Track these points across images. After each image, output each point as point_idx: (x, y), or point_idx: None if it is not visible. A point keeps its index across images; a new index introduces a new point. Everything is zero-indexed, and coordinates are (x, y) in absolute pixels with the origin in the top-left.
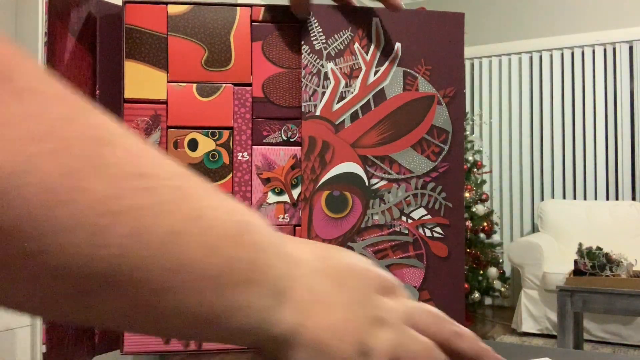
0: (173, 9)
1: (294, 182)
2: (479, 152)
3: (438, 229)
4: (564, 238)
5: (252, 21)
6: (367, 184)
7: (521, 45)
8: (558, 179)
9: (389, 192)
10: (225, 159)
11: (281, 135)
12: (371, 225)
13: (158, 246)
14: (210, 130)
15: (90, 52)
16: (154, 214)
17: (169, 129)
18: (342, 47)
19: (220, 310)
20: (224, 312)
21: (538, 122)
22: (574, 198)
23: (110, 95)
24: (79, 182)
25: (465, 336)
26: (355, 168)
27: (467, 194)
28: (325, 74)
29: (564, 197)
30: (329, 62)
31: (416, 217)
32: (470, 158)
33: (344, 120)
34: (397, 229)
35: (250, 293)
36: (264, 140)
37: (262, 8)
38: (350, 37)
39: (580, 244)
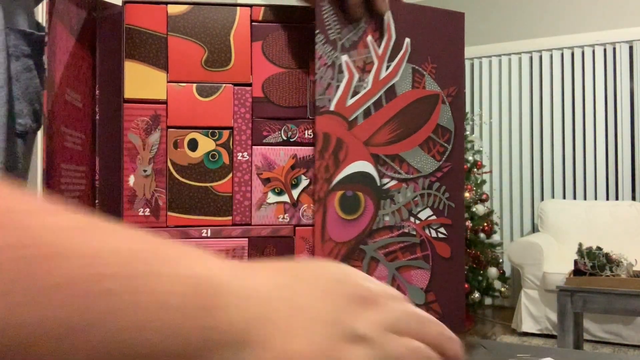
0: (173, 9)
1: (294, 182)
2: (479, 152)
3: (442, 230)
4: (564, 238)
5: (252, 21)
6: (378, 184)
7: (521, 45)
8: (558, 179)
9: (399, 192)
10: (225, 159)
11: (281, 135)
12: (382, 226)
13: (127, 348)
14: (210, 130)
15: (90, 52)
16: (116, 317)
17: (169, 129)
18: (356, 39)
19: None
20: None
21: (538, 122)
22: (574, 198)
23: (110, 95)
24: (27, 317)
25: (454, 340)
26: (367, 167)
27: (467, 194)
28: (340, 66)
29: (564, 197)
30: (343, 54)
31: (423, 218)
32: (470, 158)
33: (357, 117)
34: (406, 230)
35: None
36: (264, 140)
37: (262, 8)
38: (363, 29)
39: (580, 244)
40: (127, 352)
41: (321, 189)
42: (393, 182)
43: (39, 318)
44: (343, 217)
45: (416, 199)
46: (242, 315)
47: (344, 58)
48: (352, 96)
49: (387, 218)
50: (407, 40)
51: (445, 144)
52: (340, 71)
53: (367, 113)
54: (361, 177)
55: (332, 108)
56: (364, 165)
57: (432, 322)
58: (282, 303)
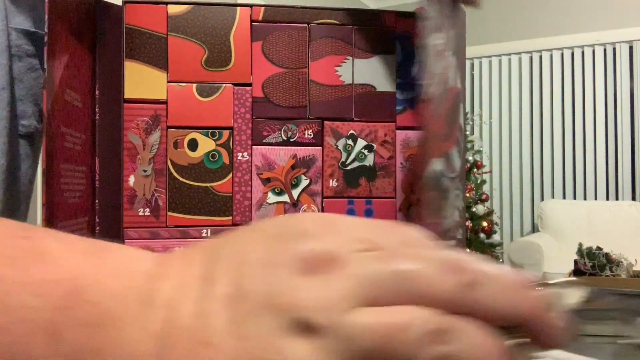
0: (173, 9)
1: (294, 182)
2: (479, 152)
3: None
4: (564, 238)
5: (252, 21)
6: (442, 184)
7: (521, 45)
8: (558, 179)
9: (450, 192)
10: (225, 159)
11: (281, 135)
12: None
13: None
14: (210, 130)
15: (90, 52)
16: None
17: (169, 129)
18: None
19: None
20: None
21: (538, 122)
22: (574, 198)
23: (110, 95)
24: None
25: (488, 279)
26: (439, 165)
27: (467, 194)
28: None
29: (564, 197)
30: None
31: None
32: (470, 158)
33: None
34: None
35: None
36: (264, 140)
37: (262, 8)
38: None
39: (580, 244)
40: None
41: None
42: (448, 182)
43: None
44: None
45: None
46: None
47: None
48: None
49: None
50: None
51: None
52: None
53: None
54: (433, 176)
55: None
56: (436, 164)
57: (437, 260)
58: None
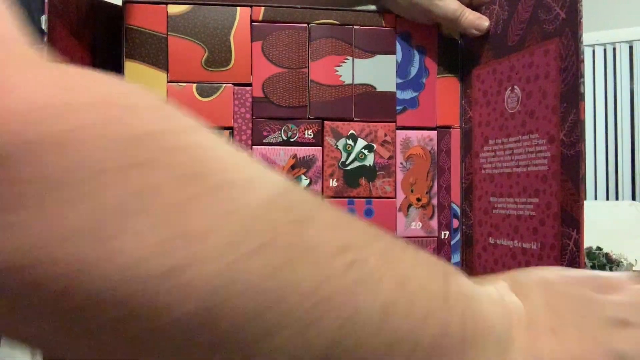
0: (173, 9)
1: None
2: None
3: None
4: None
5: (252, 21)
6: None
7: None
8: None
9: None
10: None
11: (281, 135)
12: None
13: (373, 323)
14: None
15: (90, 52)
16: (365, 290)
17: None
18: None
19: None
20: None
21: None
22: None
23: None
24: (286, 277)
25: None
26: None
27: None
28: None
29: None
30: None
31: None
32: None
33: None
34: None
35: (472, 355)
36: (264, 140)
37: (262, 8)
38: None
39: None
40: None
41: None
42: None
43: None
44: None
45: None
46: (504, 328)
47: None
48: None
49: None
50: None
51: None
52: None
53: None
54: None
55: None
56: None
57: None
58: (535, 310)
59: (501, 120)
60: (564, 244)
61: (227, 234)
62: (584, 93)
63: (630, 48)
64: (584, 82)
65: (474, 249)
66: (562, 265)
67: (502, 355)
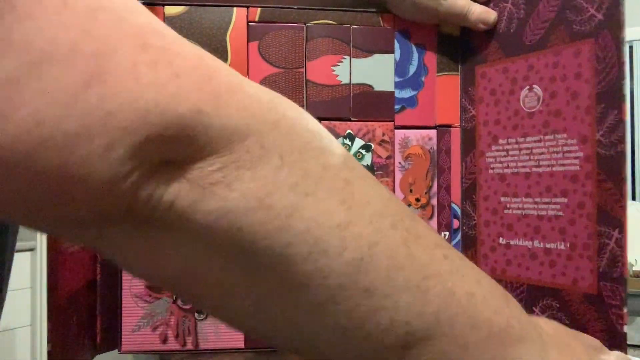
0: (170, 10)
1: None
2: None
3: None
4: None
5: (248, 22)
6: None
7: None
8: None
9: None
10: None
11: None
12: None
13: (461, 306)
14: None
15: None
16: (455, 279)
17: None
18: None
19: None
20: None
21: None
22: None
23: None
24: (408, 251)
25: None
26: None
27: None
28: None
29: None
30: None
31: None
32: None
33: None
34: None
35: (523, 348)
36: None
37: (259, 9)
38: None
39: None
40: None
41: None
42: None
43: None
44: None
45: None
46: (541, 335)
47: None
48: None
49: None
50: None
51: None
52: None
53: None
54: None
55: None
56: None
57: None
58: (558, 343)
59: (516, 119)
60: (601, 243)
61: (376, 207)
62: (625, 94)
63: (630, 48)
64: (625, 84)
65: (479, 250)
66: (600, 264)
67: (542, 352)
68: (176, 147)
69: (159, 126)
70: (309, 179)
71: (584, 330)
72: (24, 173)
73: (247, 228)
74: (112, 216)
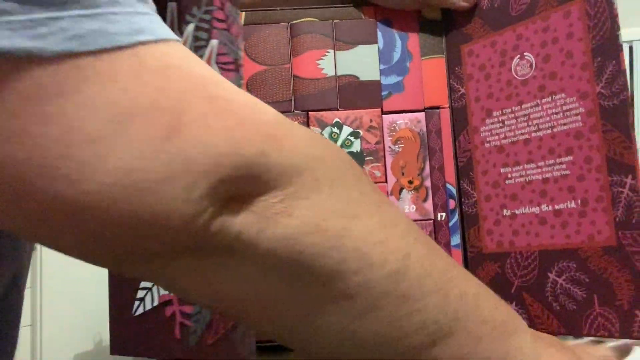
0: None
1: None
2: None
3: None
4: None
5: None
6: None
7: None
8: None
9: None
10: None
11: None
12: None
13: (471, 303)
14: None
15: None
16: (463, 281)
17: None
18: None
19: (504, 352)
20: (508, 353)
21: None
22: None
23: None
24: (431, 260)
25: None
26: None
27: None
28: None
29: None
30: None
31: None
32: None
33: None
34: None
35: (520, 338)
36: None
37: (244, 13)
38: None
39: None
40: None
41: None
42: None
43: None
44: None
45: None
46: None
47: None
48: None
49: None
50: None
51: None
52: None
53: None
54: None
55: None
56: None
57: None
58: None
59: (509, 89)
60: (614, 192)
61: (403, 226)
62: (621, 44)
63: (630, 48)
64: (620, 35)
65: (482, 227)
66: (616, 214)
67: (532, 341)
68: (243, 184)
69: (230, 168)
70: (353, 203)
71: (608, 284)
72: (109, 216)
73: (306, 249)
74: (181, 249)
